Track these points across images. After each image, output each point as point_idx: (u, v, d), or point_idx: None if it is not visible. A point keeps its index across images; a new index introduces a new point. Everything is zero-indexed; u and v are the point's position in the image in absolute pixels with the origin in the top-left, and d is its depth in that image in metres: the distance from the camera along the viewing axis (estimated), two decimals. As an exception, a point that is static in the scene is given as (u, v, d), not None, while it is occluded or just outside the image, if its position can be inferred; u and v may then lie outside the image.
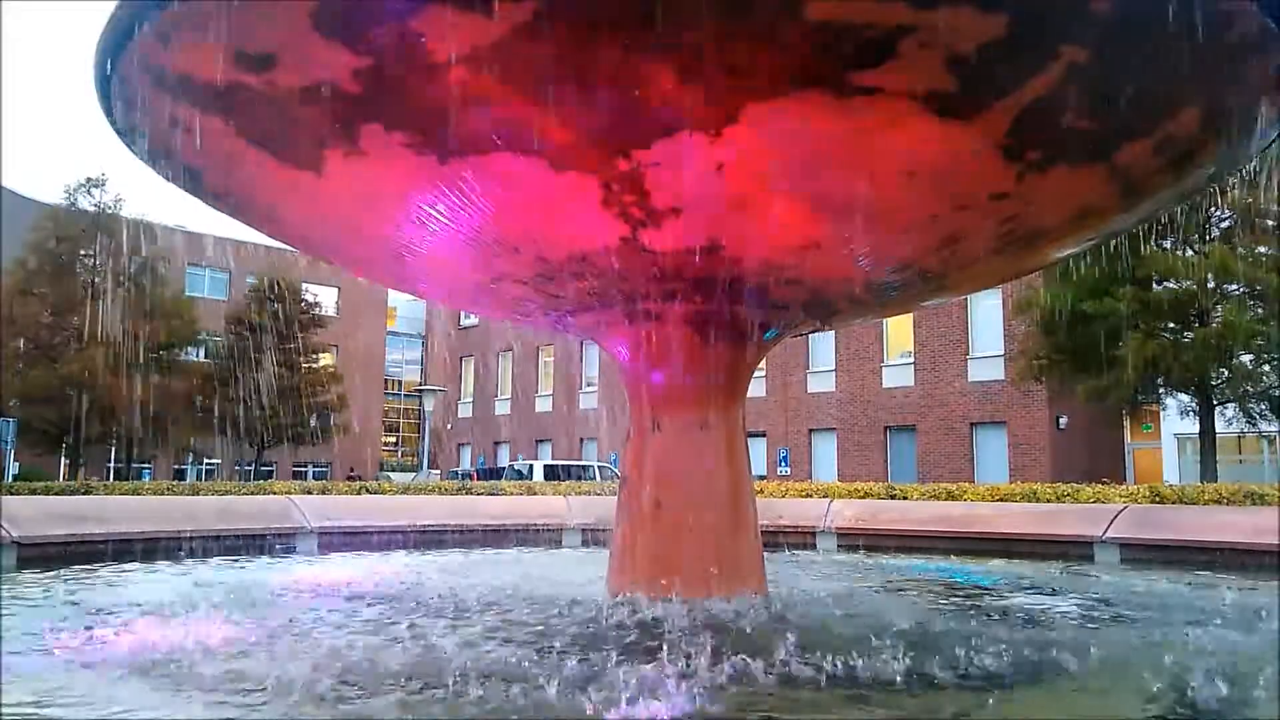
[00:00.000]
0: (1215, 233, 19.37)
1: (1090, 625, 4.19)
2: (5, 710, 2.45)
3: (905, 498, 9.68)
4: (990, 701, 2.67)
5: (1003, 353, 28.63)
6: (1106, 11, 2.73)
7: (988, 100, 2.95)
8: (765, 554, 4.80)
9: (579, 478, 27.13)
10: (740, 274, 4.03)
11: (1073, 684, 2.89)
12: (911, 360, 31.89)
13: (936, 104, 2.90)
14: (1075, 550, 7.05)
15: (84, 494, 11.21)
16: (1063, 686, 2.88)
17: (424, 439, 36.88)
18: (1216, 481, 13.74)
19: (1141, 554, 6.77)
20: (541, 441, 43.82)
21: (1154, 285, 19.22)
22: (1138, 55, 2.87)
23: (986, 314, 29.73)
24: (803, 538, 8.11)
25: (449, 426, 49.62)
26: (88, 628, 3.65)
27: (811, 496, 9.88)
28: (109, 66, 3.25)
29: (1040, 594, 5.24)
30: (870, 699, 2.67)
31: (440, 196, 3.49)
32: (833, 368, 33.66)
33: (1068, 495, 9.01)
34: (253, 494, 10.60)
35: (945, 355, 31.02)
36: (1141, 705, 2.66)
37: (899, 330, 31.99)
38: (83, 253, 32.45)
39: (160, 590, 4.86)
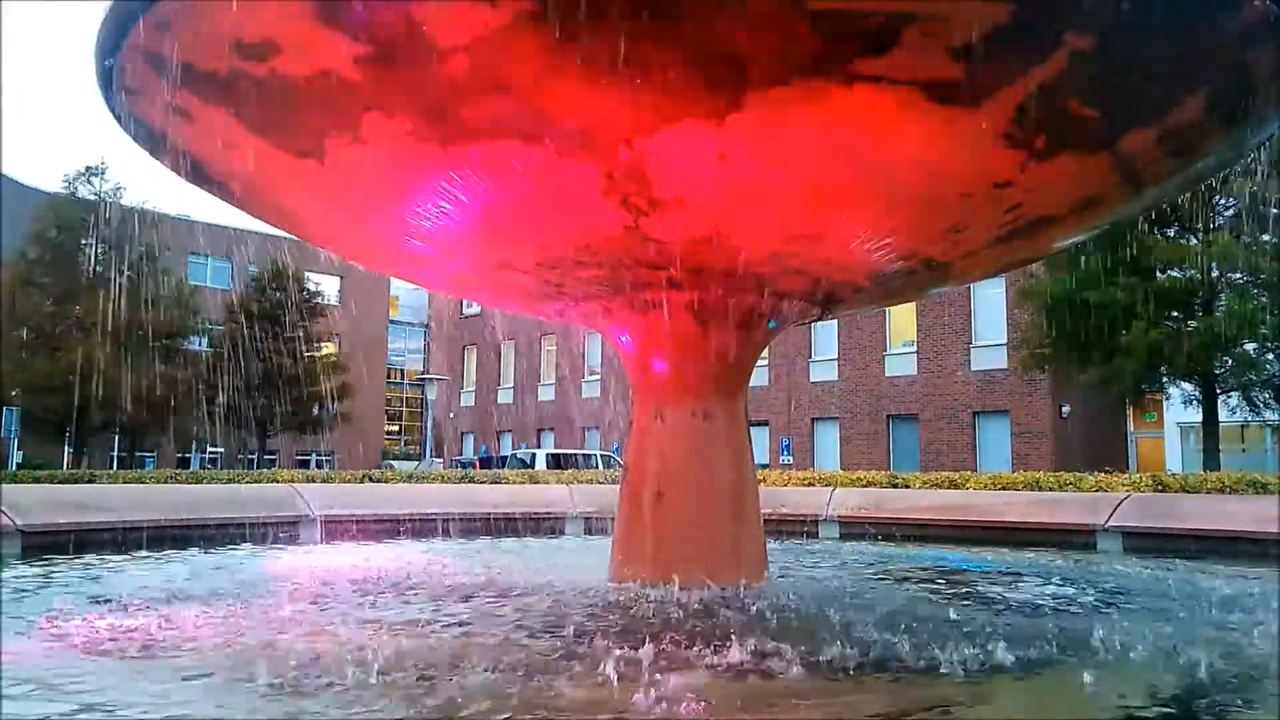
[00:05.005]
0: (1219, 221, 19.31)
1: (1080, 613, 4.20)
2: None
3: (908, 486, 9.69)
4: (977, 686, 2.68)
5: (1005, 341, 28.61)
6: (1111, -2, 2.72)
7: (991, 88, 2.94)
8: (768, 542, 4.81)
9: (581, 466, 27.18)
10: (743, 263, 4.03)
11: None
12: (914, 349, 31.88)
13: (940, 92, 2.89)
14: (1078, 539, 7.05)
15: (88, 482, 11.24)
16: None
17: (427, 428, 36.96)
18: (1219, 470, 13.73)
19: (1144, 542, 6.77)
20: (544, 430, 43.88)
21: (1157, 274, 19.18)
22: (1142, 42, 2.85)
23: (989, 302, 29.71)
24: (805, 526, 8.11)
25: (452, 415, 49.68)
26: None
27: (814, 485, 9.88)
28: (110, 54, 3.24)
29: (1045, 583, 5.25)
30: (868, 686, 2.68)
31: (442, 185, 3.48)
32: (835, 357, 33.67)
33: (1070, 484, 9.00)
34: (256, 482, 10.62)
35: (948, 344, 31.01)
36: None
37: (902, 319, 31.97)
38: (84, 242, 32.49)
39: (163, 578, 4.88)
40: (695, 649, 2.90)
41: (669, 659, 2.83)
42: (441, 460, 41.52)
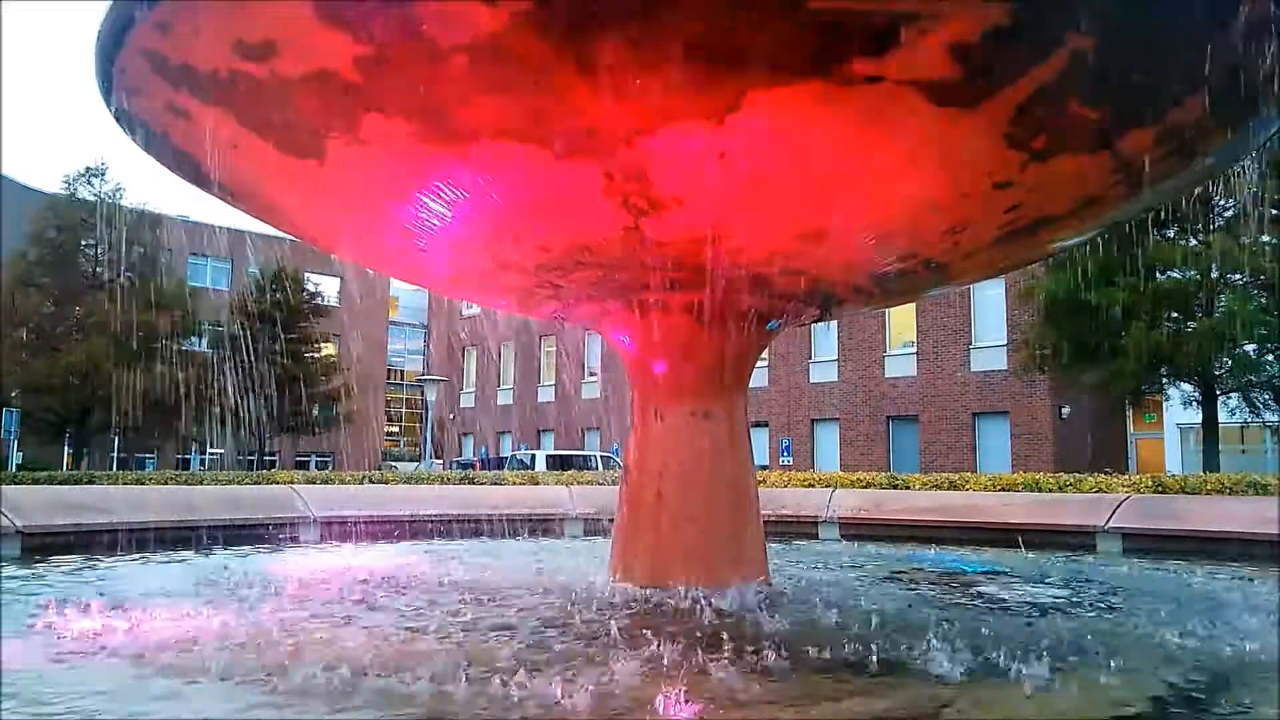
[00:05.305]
0: (1219, 222, 19.28)
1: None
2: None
3: (907, 487, 9.69)
4: (979, 686, 2.68)
5: (1005, 342, 28.59)
6: (1111, -2, 2.72)
7: (991, 89, 2.94)
8: (768, 543, 4.81)
9: (581, 467, 27.18)
10: (743, 264, 4.02)
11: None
12: (914, 350, 31.86)
13: (939, 92, 2.88)
14: (1077, 540, 7.05)
15: (88, 483, 11.23)
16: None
17: (427, 429, 36.90)
18: (1219, 471, 13.73)
19: (1144, 544, 6.77)
20: (544, 431, 43.86)
21: (1157, 275, 19.15)
22: (1142, 43, 2.85)
23: (989, 303, 29.68)
24: (805, 527, 8.11)
25: (452, 416, 49.67)
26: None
27: (814, 486, 9.88)
28: (110, 54, 3.24)
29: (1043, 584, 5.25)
30: (868, 685, 2.68)
31: (441, 185, 3.48)
32: (835, 357, 33.64)
33: (1070, 485, 9.00)
34: (256, 484, 10.62)
35: (948, 345, 30.99)
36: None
37: (901, 320, 31.95)
38: (84, 243, 32.48)
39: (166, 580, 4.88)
40: (694, 649, 2.90)
41: (668, 658, 2.83)
42: (441, 461, 41.51)
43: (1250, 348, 18.83)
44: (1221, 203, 18.93)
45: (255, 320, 33.78)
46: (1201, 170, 4.12)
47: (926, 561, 6.34)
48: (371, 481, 11.53)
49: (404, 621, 3.67)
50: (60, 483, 11.47)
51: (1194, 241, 19.20)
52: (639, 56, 2.76)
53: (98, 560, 5.77)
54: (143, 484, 11.19)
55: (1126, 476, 9.90)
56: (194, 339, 35.43)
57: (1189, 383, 20.24)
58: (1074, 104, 3.07)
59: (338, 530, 7.55)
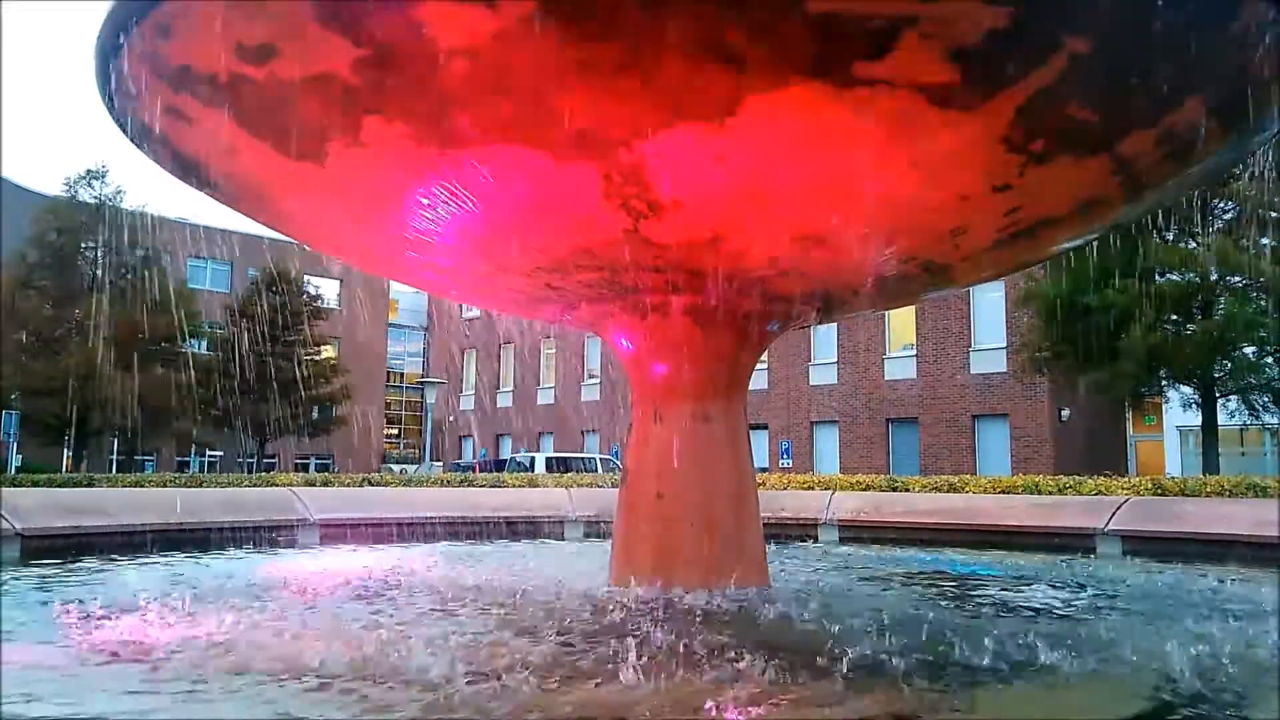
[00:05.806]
0: (1218, 224, 19.29)
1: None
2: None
3: (907, 490, 9.68)
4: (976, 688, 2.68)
5: (1005, 345, 28.60)
6: (1110, 1, 2.72)
7: (990, 92, 2.94)
8: (767, 545, 4.81)
9: (581, 470, 27.18)
10: (742, 266, 4.03)
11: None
12: (913, 352, 31.88)
13: (939, 96, 2.89)
14: (1077, 542, 7.04)
15: (87, 486, 11.24)
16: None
17: (426, 431, 36.91)
18: (1219, 474, 13.74)
19: (1143, 546, 6.77)
20: (543, 434, 43.87)
21: (1156, 277, 19.17)
22: (1141, 45, 2.85)
23: (988, 306, 29.71)
24: (804, 530, 8.10)
25: (451, 419, 49.67)
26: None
27: (813, 489, 9.88)
28: (109, 58, 3.24)
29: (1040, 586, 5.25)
30: (868, 688, 2.67)
31: (441, 188, 3.48)
32: (834, 360, 33.66)
33: (1070, 487, 9.00)
34: (255, 486, 10.62)
35: (947, 347, 31.01)
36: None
37: (901, 322, 31.98)
38: (84, 245, 32.50)
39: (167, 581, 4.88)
40: (693, 652, 2.90)
41: (667, 661, 2.83)
42: (441, 464, 41.52)
43: (1249, 350, 18.85)
44: (1220, 205, 18.96)
45: (255, 323, 33.82)
46: (1201, 172, 4.12)
47: (925, 564, 6.34)
48: (371, 484, 11.53)
49: (385, 619, 3.67)
50: (60, 485, 11.48)
51: (1193, 244, 19.22)
52: (638, 59, 2.76)
53: (104, 563, 5.76)
54: (141, 486, 11.19)
55: (1126, 479, 9.90)
56: (193, 341, 35.46)
57: (1188, 385, 20.25)
58: (1073, 107, 3.07)
59: (337, 533, 7.54)
